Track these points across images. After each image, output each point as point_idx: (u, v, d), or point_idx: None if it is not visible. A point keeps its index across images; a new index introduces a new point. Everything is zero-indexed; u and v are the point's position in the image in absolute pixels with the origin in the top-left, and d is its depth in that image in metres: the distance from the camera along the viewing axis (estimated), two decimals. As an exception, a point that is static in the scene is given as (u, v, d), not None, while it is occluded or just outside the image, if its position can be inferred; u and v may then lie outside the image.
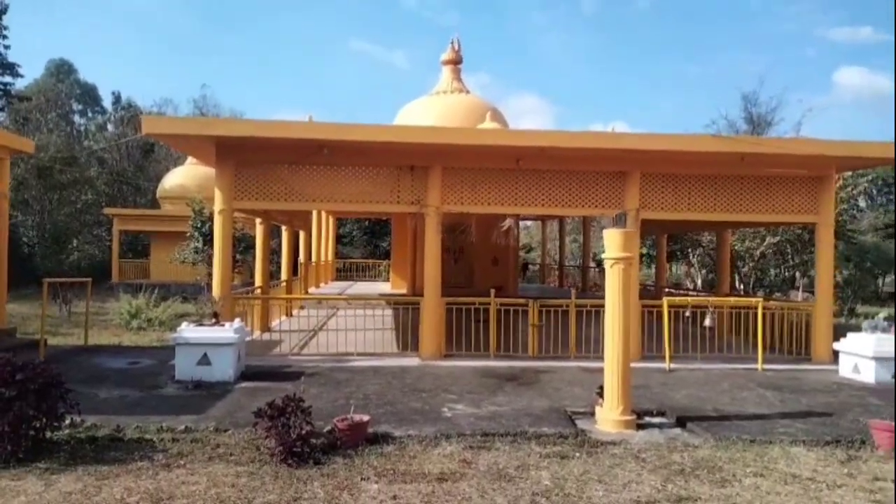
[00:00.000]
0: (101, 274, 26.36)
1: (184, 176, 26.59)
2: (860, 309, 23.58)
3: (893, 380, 8.53)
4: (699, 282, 26.58)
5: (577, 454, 5.47)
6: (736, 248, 21.98)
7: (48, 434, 5.39)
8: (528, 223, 35.18)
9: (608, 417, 6.33)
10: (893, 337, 8.89)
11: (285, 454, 5.16)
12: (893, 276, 23.49)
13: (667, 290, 20.62)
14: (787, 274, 24.00)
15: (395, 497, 4.44)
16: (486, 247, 18.48)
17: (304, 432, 5.27)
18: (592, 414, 6.60)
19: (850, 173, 19.71)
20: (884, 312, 9.78)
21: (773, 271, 22.24)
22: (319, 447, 5.36)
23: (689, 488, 4.69)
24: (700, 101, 79.76)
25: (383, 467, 5.03)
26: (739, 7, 77.69)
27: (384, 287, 21.77)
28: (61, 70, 51.07)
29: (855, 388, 8.43)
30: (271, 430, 5.29)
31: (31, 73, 54.71)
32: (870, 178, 21.77)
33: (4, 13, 30.00)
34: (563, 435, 5.96)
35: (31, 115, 35.93)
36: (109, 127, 46.80)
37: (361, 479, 4.79)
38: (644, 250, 26.81)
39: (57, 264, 27.37)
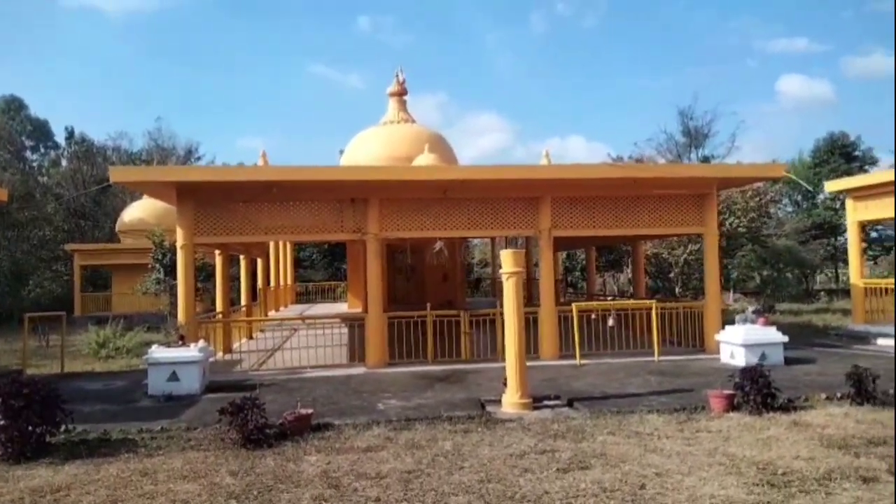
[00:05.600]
0: (62, 308, 26.82)
1: (142, 210, 27.40)
2: (783, 307, 25.85)
3: (759, 362, 10.27)
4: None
5: (479, 429, 6.94)
6: (664, 255, 24.05)
7: (48, 438, 6.59)
8: (478, 241, 36.90)
9: (510, 401, 7.84)
10: (759, 327, 10.70)
11: (244, 441, 6.49)
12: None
13: (611, 297, 22.49)
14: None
15: (328, 463, 5.83)
16: (436, 265, 20.02)
17: (259, 424, 6.62)
18: (500, 401, 8.09)
19: (760, 184, 21.94)
20: (752, 306, 11.55)
21: (695, 276, 24.27)
22: (272, 435, 6.70)
23: (553, 445, 6.21)
24: (652, 113, 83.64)
25: (322, 446, 6.42)
26: (682, 24, 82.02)
27: (343, 307, 23.01)
28: (11, 107, 51.01)
29: (727, 371, 10.02)
30: (233, 423, 6.62)
31: (-21, 110, 54.27)
32: (777, 187, 24.10)
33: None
34: (471, 416, 7.44)
35: (-16, 155, 36.21)
36: (63, 162, 46.98)
37: (304, 454, 6.17)
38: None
39: (17, 301, 27.81)
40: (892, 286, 13.95)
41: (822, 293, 33.30)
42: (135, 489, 5.26)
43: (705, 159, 38.53)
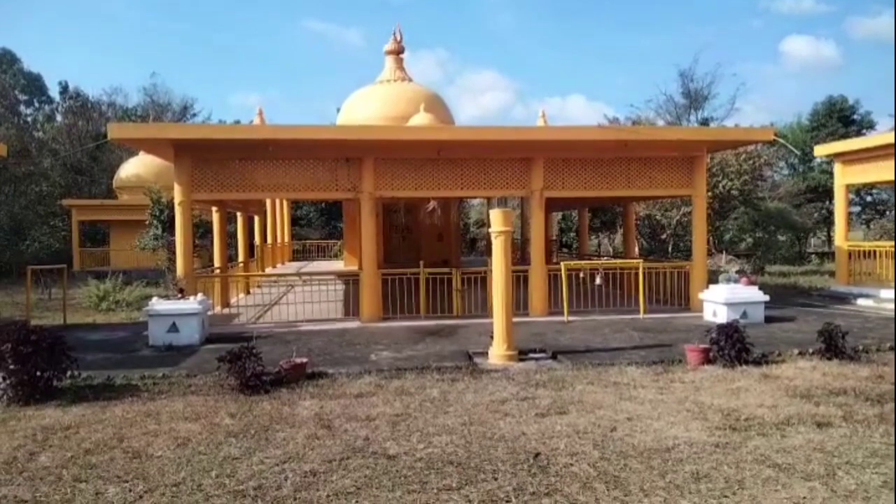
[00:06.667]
0: (60, 263, 27.12)
1: (139, 166, 27.46)
2: (774, 268, 26.25)
3: (740, 319, 10.63)
4: (636, 249, 29.03)
5: (465, 378, 7.30)
6: (657, 218, 24.29)
7: (55, 383, 6.94)
8: (476, 201, 37.07)
9: (496, 353, 8.20)
10: (741, 286, 11.03)
11: (242, 387, 6.85)
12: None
13: (605, 257, 22.84)
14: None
15: (321, 407, 6.19)
16: (431, 225, 20.26)
17: (256, 371, 6.96)
18: (487, 353, 8.45)
19: (752, 147, 22.01)
20: (732, 266, 11.85)
21: (688, 237, 24.56)
22: (269, 382, 7.05)
23: (534, 393, 6.58)
24: (654, 73, 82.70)
25: (316, 392, 6.78)
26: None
27: (339, 265, 23.34)
28: (4, 60, 50.28)
29: (708, 328, 10.48)
30: (231, 370, 6.97)
31: (-29, 62, 53.40)
32: (772, 150, 24.16)
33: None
34: (458, 367, 7.80)
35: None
36: (58, 117, 46.58)
37: (299, 399, 6.53)
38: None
39: (16, 256, 28.06)
40: (878, 249, 14.24)
41: (814, 256, 33.74)
42: (139, 428, 5.62)
43: (705, 121, 38.38)
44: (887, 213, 37.19)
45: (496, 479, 4.35)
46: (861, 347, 8.36)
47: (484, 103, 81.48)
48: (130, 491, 4.29)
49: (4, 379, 6.57)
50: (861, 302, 13.13)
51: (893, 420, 5.42)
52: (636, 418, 5.64)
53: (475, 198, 25.96)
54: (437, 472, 4.51)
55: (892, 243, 13.90)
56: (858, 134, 35.40)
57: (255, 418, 5.84)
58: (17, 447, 5.20)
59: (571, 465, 4.58)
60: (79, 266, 26.64)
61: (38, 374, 6.67)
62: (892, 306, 12.04)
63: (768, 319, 10.96)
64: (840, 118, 38.35)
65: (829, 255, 32.53)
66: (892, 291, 12.57)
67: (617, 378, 7.17)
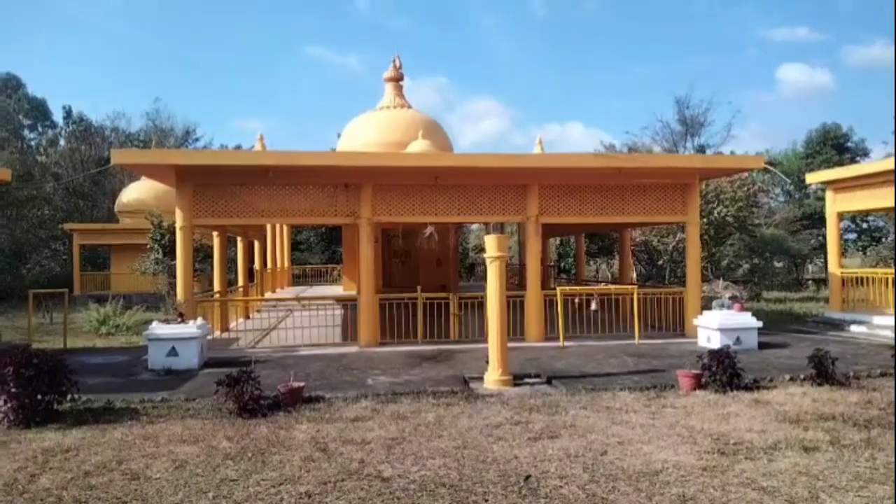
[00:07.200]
0: (61, 287, 27.25)
1: (141, 190, 27.68)
2: (770, 295, 26.38)
3: (734, 345, 10.72)
4: (634, 275, 29.18)
5: (461, 403, 7.40)
6: (654, 244, 24.49)
7: (55, 406, 7.03)
8: (474, 226, 37.35)
9: (492, 378, 8.30)
10: (735, 312, 11.16)
11: (240, 411, 6.94)
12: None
13: (603, 282, 22.99)
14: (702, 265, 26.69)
15: (318, 431, 6.28)
16: (430, 250, 20.45)
17: (254, 395, 7.06)
18: (482, 378, 8.55)
19: (746, 174, 22.34)
20: (729, 293, 12.00)
21: (684, 263, 24.73)
22: (266, 406, 7.15)
23: (528, 417, 6.67)
24: (651, 100, 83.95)
25: (313, 416, 6.87)
26: (683, 10, 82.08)
27: (338, 290, 23.45)
28: (9, 85, 50.97)
29: (701, 353, 10.58)
30: (229, 394, 7.06)
31: (-23, 88, 54.14)
32: (766, 177, 24.48)
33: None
34: (454, 391, 7.90)
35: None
36: (61, 142, 47.07)
37: (296, 422, 6.62)
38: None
39: (17, 280, 28.19)
40: (871, 275, 14.40)
41: (811, 282, 33.89)
42: (138, 450, 5.71)
43: (701, 148, 38.87)
44: (883, 239, 37.44)
45: (487, 501, 4.45)
46: (852, 373, 8.47)
47: (483, 129, 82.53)
48: (129, 512, 4.38)
49: (6, 402, 6.66)
50: (854, 328, 13.25)
51: (885, 444, 5.52)
52: (627, 442, 5.73)
53: (472, 223, 26.27)
54: (429, 493, 4.60)
55: (885, 270, 14.06)
56: (852, 161, 35.85)
57: (252, 441, 5.93)
58: (18, 469, 5.29)
59: (561, 487, 4.67)
60: (79, 290, 26.74)
61: (39, 397, 6.77)
62: (885, 333, 12.17)
63: (762, 345, 11.07)
64: (834, 145, 38.84)
65: (825, 282, 32.64)
66: (885, 318, 12.69)
67: (610, 403, 7.27)
